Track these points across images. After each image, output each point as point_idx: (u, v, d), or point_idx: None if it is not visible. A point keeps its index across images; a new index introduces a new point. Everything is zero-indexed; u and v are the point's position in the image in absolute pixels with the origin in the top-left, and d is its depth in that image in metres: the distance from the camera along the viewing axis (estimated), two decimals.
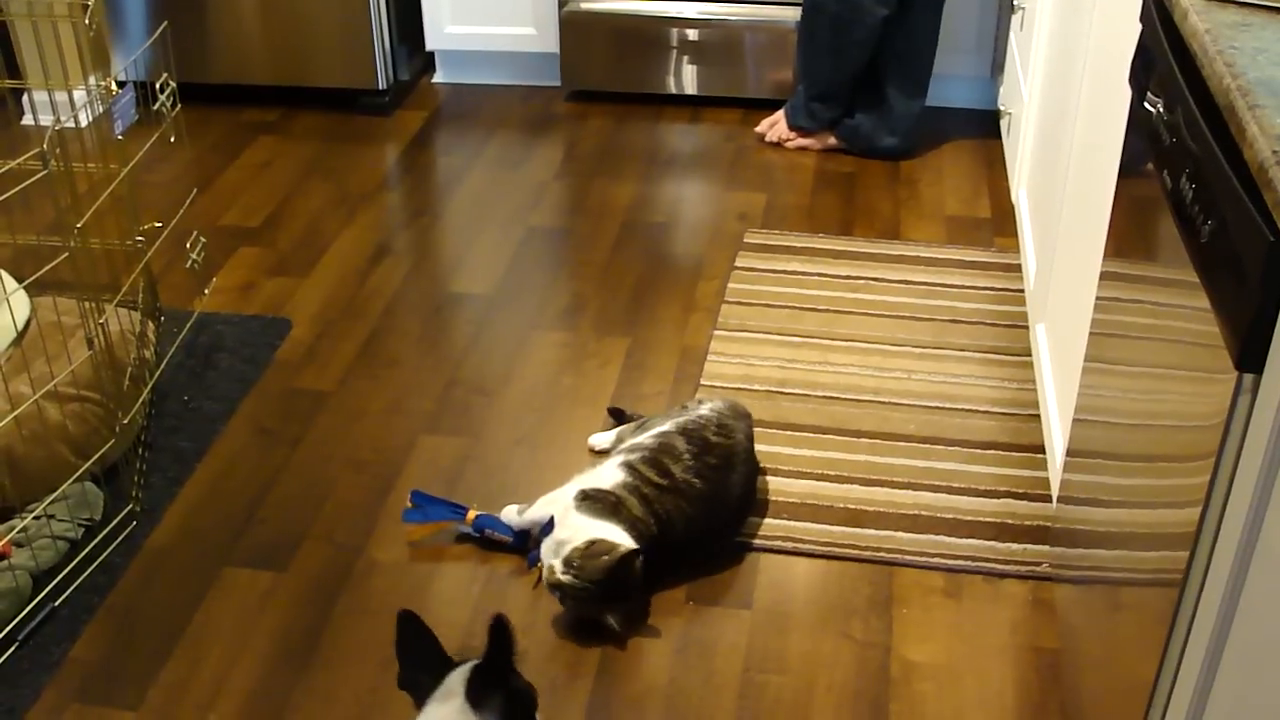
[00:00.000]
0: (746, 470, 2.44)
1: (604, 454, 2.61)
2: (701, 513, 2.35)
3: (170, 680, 2.18)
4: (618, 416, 2.73)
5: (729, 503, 2.40)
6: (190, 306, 3.07)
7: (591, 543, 2.23)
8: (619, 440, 2.58)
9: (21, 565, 2.32)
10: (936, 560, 2.40)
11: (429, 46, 4.37)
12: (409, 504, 2.50)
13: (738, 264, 3.33)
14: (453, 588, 2.37)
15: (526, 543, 2.40)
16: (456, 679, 1.66)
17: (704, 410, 2.49)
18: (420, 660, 1.70)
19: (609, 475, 2.38)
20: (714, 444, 2.41)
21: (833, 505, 2.53)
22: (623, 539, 2.26)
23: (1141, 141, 1.77)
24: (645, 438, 2.45)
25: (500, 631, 1.63)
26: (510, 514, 2.43)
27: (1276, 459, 1.24)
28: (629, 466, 2.38)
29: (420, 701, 1.68)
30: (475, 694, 1.64)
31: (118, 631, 2.28)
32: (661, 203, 3.69)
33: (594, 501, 2.32)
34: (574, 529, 2.29)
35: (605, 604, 2.23)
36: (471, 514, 2.45)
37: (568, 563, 2.22)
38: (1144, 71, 1.77)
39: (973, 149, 3.96)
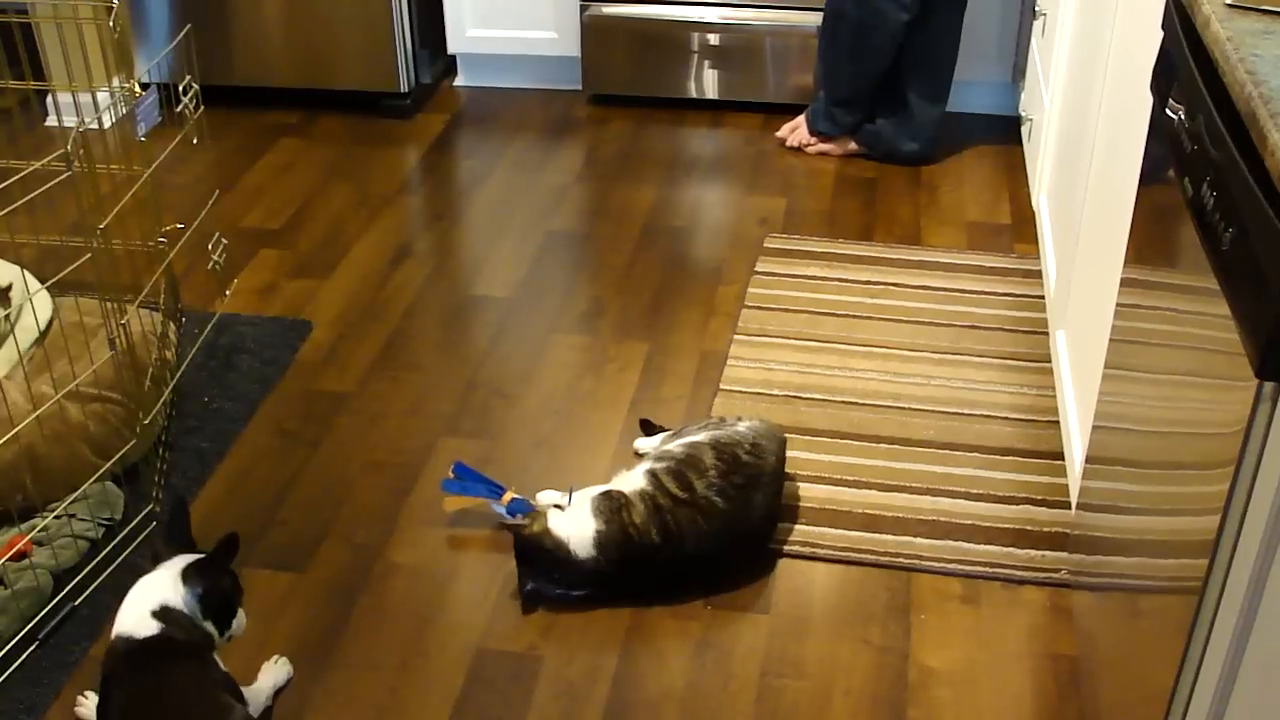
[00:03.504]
0: (771, 493, 2.41)
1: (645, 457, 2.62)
2: (718, 530, 2.33)
3: None
4: (647, 428, 2.72)
5: (749, 524, 2.37)
6: (211, 308, 3.08)
7: (534, 513, 2.37)
8: (660, 444, 2.56)
9: (42, 564, 2.33)
10: (954, 566, 2.40)
11: (450, 50, 4.38)
12: (450, 474, 2.53)
13: (758, 269, 3.33)
14: (471, 590, 2.38)
15: None
16: (182, 561, 2.00)
17: (741, 427, 2.46)
18: (173, 539, 2.07)
19: (632, 480, 2.39)
20: (743, 463, 2.38)
21: (851, 510, 2.52)
22: (582, 534, 2.31)
23: (1162, 148, 1.77)
24: (676, 446, 2.44)
25: (228, 543, 1.99)
26: (554, 498, 2.49)
27: None
28: (652, 475, 2.38)
29: (155, 563, 2.03)
30: (188, 573, 1.98)
31: None
32: (682, 207, 3.69)
33: (605, 500, 2.35)
34: (566, 512, 2.35)
35: (518, 563, 2.35)
36: (508, 496, 2.47)
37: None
38: (1165, 78, 1.76)
39: (994, 155, 3.96)
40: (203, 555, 2.01)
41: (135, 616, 1.94)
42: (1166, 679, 1.48)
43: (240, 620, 2.05)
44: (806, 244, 3.45)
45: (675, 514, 2.32)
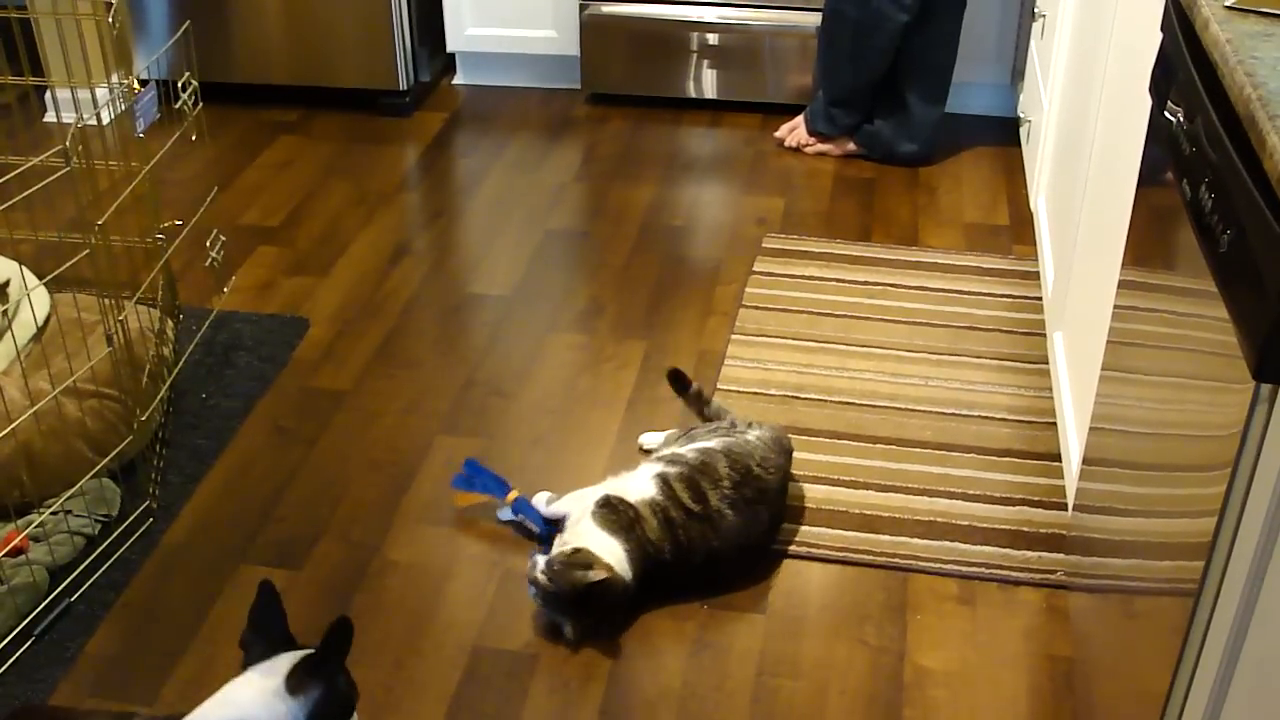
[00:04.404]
0: (778, 506, 2.40)
1: (652, 454, 2.59)
2: (726, 545, 2.31)
3: (185, 676, 2.19)
4: (676, 381, 2.65)
5: (753, 536, 2.35)
6: (209, 304, 3.08)
7: (577, 550, 2.22)
8: (667, 444, 2.53)
9: (39, 560, 2.33)
10: (951, 567, 2.40)
11: (450, 48, 4.38)
12: (461, 471, 2.53)
13: (756, 268, 3.33)
14: (468, 588, 2.38)
15: (553, 536, 2.38)
16: (284, 661, 1.68)
17: (751, 436, 2.43)
18: (265, 628, 1.75)
19: (640, 485, 2.34)
20: (754, 476, 2.35)
21: (848, 511, 2.53)
22: (618, 559, 2.23)
23: (1161, 150, 1.77)
24: (688, 450, 2.40)
25: (341, 631, 1.68)
26: (539, 501, 2.45)
27: None
28: (664, 481, 2.33)
29: (246, 664, 1.71)
30: (295, 681, 1.66)
31: (133, 628, 2.29)
32: (680, 206, 3.69)
33: (611, 512, 2.29)
34: (580, 535, 2.28)
35: (572, 616, 2.23)
36: (513, 494, 2.46)
37: (549, 564, 2.20)
38: (1164, 80, 1.76)
39: (992, 156, 3.96)
40: (311, 651, 1.68)
41: None
42: (1162, 681, 1.48)
43: None
44: (804, 244, 3.45)
45: (687, 529, 2.29)
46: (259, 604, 1.77)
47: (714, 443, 2.41)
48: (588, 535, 2.27)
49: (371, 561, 2.43)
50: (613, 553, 2.24)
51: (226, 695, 1.66)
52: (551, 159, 3.96)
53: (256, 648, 1.72)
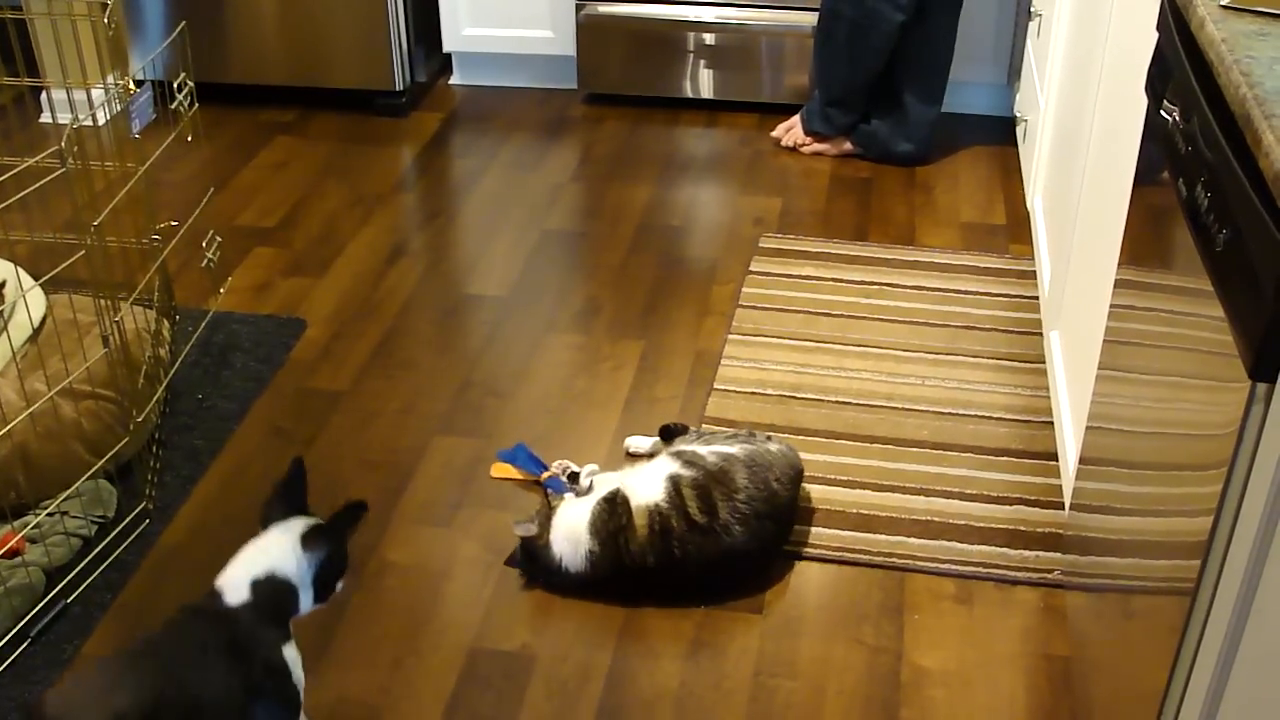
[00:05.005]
0: (784, 524, 2.38)
1: (637, 458, 2.61)
2: (726, 561, 2.29)
3: None
4: (667, 434, 2.61)
5: (754, 554, 2.33)
6: (205, 305, 3.08)
7: (550, 513, 2.34)
8: (682, 441, 2.49)
9: (35, 562, 2.33)
10: (948, 566, 2.40)
11: (446, 48, 4.38)
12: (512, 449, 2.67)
13: (752, 268, 3.33)
14: (464, 590, 2.37)
15: None
16: (299, 523, 1.92)
17: (772, 447, 2.40)
18: (288, 499, 1.97)
19: (650, 487, 2.33)
20: (772, 490, 2.32)
21: (845, 510, 2.52)
22: (572, 548, 2.30)
23: (1157, 150, 1.77)
24: (708, 452, 2.36)
25: (355, 509, 1.93)
26: (587, 470, 2.55)
27: None
28: (674, 485, 2.31)
29: (265, 524, 1.94)
30: (309, 540, 1.90)
31: (130, 629, 2.29)
32: (677, 206, 3.69)
33: (608, 514, 2.30)
34: (572, 506, 2.34)
35: (527, 561, 2.37)
36: (545, 475, 2.58)
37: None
38: (1160, 80, 1.76)
39: (989, 155, 3.96)
40: (321, 521, 1.93)
41: (235, 578, 1.86)
42: (1159, 680, 1.48)
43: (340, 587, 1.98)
44: (801, 244, 3.45)
45: (685, 542, 2.27)
46: (289, 478, 1.98)
47: (735, 449, 2.38)
48: (574, 514, 2.33)
49: (368, 562, 2.43)
50: (576, 540, 2.30)
51: (260, 545, 1.90)
52: (548, 159, 3.96)
53: (278, 512, 1.95)
